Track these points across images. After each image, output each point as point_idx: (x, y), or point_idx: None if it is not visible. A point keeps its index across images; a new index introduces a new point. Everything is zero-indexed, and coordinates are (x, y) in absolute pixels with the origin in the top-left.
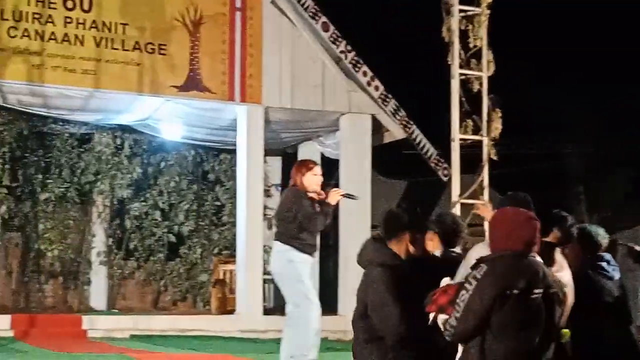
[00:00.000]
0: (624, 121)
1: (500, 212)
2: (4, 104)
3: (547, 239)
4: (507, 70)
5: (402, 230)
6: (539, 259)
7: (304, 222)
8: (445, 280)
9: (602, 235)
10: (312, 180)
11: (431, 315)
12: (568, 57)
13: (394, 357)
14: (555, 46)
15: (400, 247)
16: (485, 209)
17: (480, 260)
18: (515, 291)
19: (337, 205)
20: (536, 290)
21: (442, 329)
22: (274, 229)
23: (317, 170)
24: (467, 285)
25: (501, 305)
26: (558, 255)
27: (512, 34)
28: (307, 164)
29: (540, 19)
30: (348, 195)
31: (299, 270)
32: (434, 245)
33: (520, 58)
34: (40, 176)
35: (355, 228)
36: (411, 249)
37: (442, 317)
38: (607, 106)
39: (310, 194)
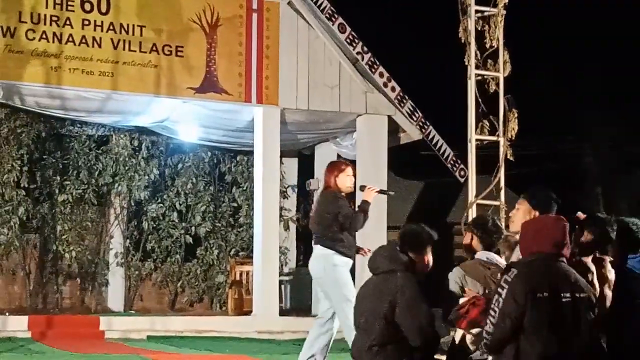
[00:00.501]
0: (627, 123)
1: (535, 219)
2: (22, 106)
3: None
4: (525, 70)
5: (422, 247)
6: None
7: (344, 223)
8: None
9: None
10: (346, 181)
11: (458, 333)
12: (586, 57)
13: (421, 358)
14: (574, 46)
15: (419, 261)
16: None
17: (511, 265)
18: (546, 294)
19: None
20: (566, 294)
21: (470, 343)
22: (314, 231)
23: (350, 171)
24: (499, 290)
25: (533, 307)
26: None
27: (531, 34)
28: (339, 166)
29: (559, 19)
30: (383, 192)
31: (342, 274)
32: (475, 245)
33: (539, 58)
34: (58, 178)
35: (372, 229)
36: (430, 263)
37: (474, 331)
38: (625, 106)
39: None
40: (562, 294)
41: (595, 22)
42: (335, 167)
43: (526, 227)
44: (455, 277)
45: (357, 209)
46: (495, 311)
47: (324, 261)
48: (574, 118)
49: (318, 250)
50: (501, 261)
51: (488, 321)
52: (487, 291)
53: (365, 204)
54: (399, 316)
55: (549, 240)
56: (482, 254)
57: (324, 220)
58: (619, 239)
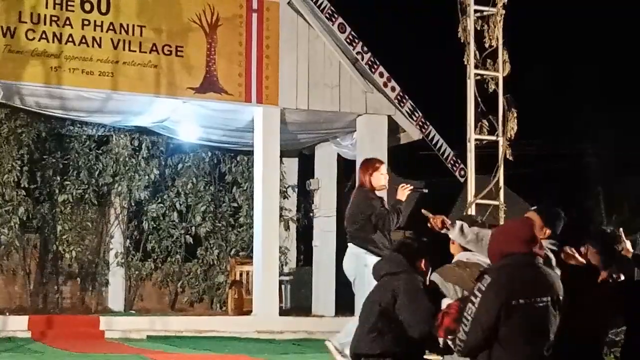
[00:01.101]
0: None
1: (494, 231)
2: (23, 106)
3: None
4: (526, 70)
5: (418, 256)
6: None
7: (378, 223)
8: (445, 301)
9: None
10: (380, 179)
11: (440, 341)
12: (589, 58)
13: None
14: (577, 46)
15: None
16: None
17: (484, 272)
18: (521, 301)
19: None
20: (543, 299)
21: (454, 347)
22: (348, 230)
23: (384, 168)
24: (472, 298)
25: (507, 316)
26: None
27: (532, 34)
28: (373, 164)
29: (561, 19)
30: (417, 190)
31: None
32: (454, 248)
33: (541, 58)
34: (58, 178)
35: None
36: (428, 270)
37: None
38: (627, 107)
39: (379, 193)
40: (538, 299)
41: (595, 22)
42: (369, 165)
43: (494, 233)
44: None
45: (389, 208)
46: (467, 319)
47: (356, 260)
48: (575, 118)
49: (351, 248)
50: (483, 259)
51: (461, 328)
52: (465, 293)
53: (398, 203)
54: (400, 307)
55: (518, 239)
56: (461, 255)
57: (357, 220)
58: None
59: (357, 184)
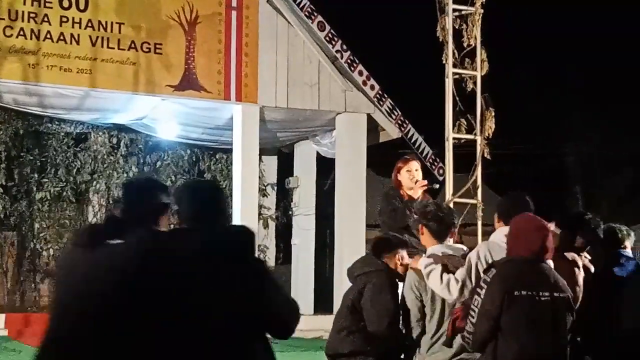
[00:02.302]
0: (622, 123)
1: (515, 220)
2: (0, 103)
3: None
4: (506, 69)
5: (393, 250)
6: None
7: (384, 221)
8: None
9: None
10: (405, 177)
11: (455, 343)
12: (568, 57)
13: (377, 345)
14: (557, 47)
15: (390, 265)
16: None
17: (491, 265)
18: (523, 292)
19: None
20: (545, 293)
21: (463, 341)
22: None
23: (412, 165)
24: (478, 290)
25: (509, 306)
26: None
27: (514, 34)
28: (402, 160)
29: (542, 19)
30: (431, 184)
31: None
32: (425, 240)
33: (521, 58)
34: (36, 175)
35: (351, 227)
36: (400, 269)
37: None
38: (606, 108)
39: (409, 192)
40: (541, 293)
41: (577, 22)
42: (399, 161)
43: (511, 227)
44: (410, 283)
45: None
46: (474, 311)
47: None
48: (555, 118)
49: None
50: (459, 247)
51: (468, 321)
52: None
53: (410, 201)
54: (363, 302)
55: (527, 247)
56: (435, 249)
57: (384, 227)
58: (605, 242)
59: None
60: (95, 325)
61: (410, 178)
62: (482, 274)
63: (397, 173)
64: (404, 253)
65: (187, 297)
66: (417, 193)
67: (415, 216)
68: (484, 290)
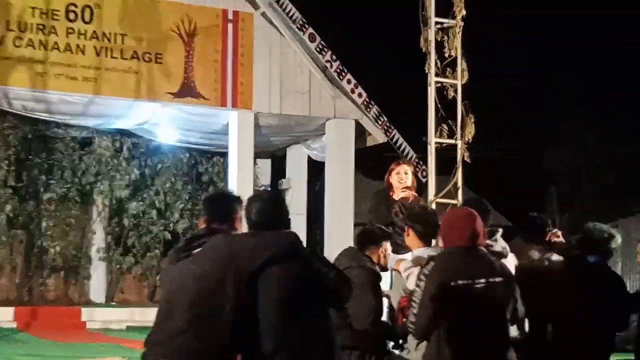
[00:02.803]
0: (597, 128)
1: (445, 214)
2: (10, 109)
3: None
4: (485, 78)
5: (377, 242)
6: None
7: (371, 220)
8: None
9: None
10: (395, 179)
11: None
12: (546, 65)
13: (361, 342)
14: (534, 55)
15: (374, 257)
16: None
17: (430, 259)
18: (460, 282)
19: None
20: (480, 281)
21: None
22: None
23: (401, 168)
24: (418, 282)
25: (447, 296)
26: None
27: (493, 44)
28: (395, 163)
29: (521, 27)
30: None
31: None
32: (410, 242)
33: (497, 67)
34: (43, 177)
35: (339, 226)
36: (382, 261)
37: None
38: (583, 112)
39: (400, 193)
40: (477, 281)
41: (558, 29)
42: (392, 165)
43: (442, 222)
44: (399, 284)
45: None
46: (415, 302)
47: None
48: (531, 123)
49: None
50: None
51: (410, 312)
52: None
53: (394, 201)
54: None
55: (460, 235)
56: (420, 252)
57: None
58: (581, 240)
59: None
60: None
61: (399, 180)
62: (423, 268)
63: (389, 175)
64: (387, 245)
65: (285, 280)
66: (399, 195)
67: (400, 215)
68: (423, 283)
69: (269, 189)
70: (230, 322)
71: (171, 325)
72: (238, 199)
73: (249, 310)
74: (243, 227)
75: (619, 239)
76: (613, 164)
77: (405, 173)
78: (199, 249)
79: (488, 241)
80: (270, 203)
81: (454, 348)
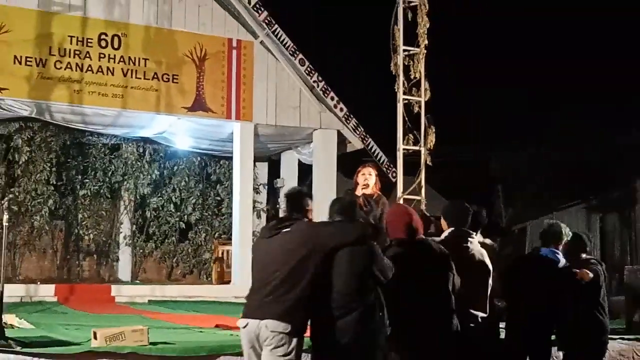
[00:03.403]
0: (532, 136)
1: (388, 213)
2: (52, 121)
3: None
4: (443, 95)
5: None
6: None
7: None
8: None
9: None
10: (360, 179)
11: None
12: (492, 86)
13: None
14: (479, 75)
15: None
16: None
17: (387, 246)
18: (410, 264)
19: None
20: (427, 265)
21: None
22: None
23: (366, 170)
24: None
25: (403, 276)
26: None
27: (453, 65)
28: (362, 165)
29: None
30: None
31: None
32: None
33: (454, 87)
34: (79, 177)
35: (323, 218)
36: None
37: None
38: (521, 124)
39: (364, 192)
40: (424, 264)
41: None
42: (359, 166)
43: (386, 219)
44: None
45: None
46: None
47: None
48: (481, 132)
49: None
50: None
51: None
52: None
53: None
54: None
55: (400, 230)
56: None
57: None
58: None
59: None
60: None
61: (364, 180)
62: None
63: (356, 175)
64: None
65: (351, 259)
66: (360, 192)
67: (364, 208)
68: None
69: (266, 186)
70: (308, 289)
71: (263, 286)
72: (310, 195)
73: (323, 280)
74: (313, 217)
75: (569, 233)
76: (545, 167)
77: (369, 174)
78: (286, 229)
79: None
80: (348, 203)
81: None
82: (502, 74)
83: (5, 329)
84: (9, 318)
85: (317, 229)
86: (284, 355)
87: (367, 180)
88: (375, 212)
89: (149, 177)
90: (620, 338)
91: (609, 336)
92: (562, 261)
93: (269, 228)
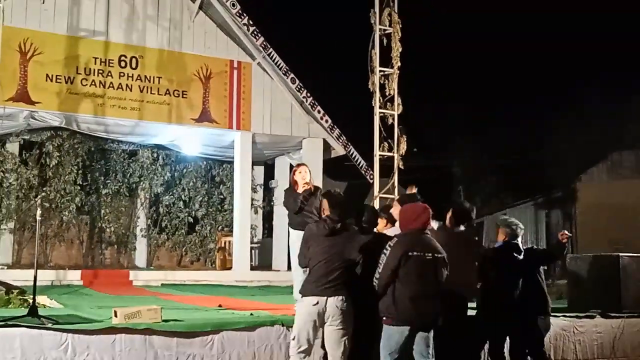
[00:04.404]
0: (492, 143)
1: (406, 207)
2: (78, 130)
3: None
4: (416, 109)
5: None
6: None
7: (288, 206)
8: None
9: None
10: (298, 177)
11: None
12: (456, 101)
13: None
14: (448, 93)
15: None
16: (395, 207)
17: (395, 237)
18: (415, 253)
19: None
20: (428, 254)
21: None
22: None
23: (302, 169)
24: (385, 251)
25: (405, 262)
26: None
27: (422, 84)
28: (297, 166)
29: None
30: (313, 185)
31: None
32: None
33: (423, 102)
34: (102, 178)
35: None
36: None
37: None
38: (482, 132)
39: (302, 187)
40: (426, 254)
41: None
42: (294, 167)
43: (402, 212)
44: None
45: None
46: (380, 264)
47: (294, 235)
48: (446, 141)
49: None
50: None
51: (377, 272)
52: None
53: (298, 194)
54: None
55: (417, 223)
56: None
57: (287, 208)
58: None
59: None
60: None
61: (302, 178)
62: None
63: (293, 175)
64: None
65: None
66: (302, 188)
67: (306, 202)
68: (388, 251)
69: (262, 186)
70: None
71: (329, 271)
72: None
73: (364, 267)
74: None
75: (522, 227)
76: (495, 171)
77: (305, 172)
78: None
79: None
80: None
81: (403, 299)
82: (462, 91)
83: (38, 309)
84: (41, 299)
85: (357, 232)
86: None
87: (305, 177)
88: (316, 203)
89: (162, 178)
90: (562, 315)
91: (553, 314)
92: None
93: (322, 227)
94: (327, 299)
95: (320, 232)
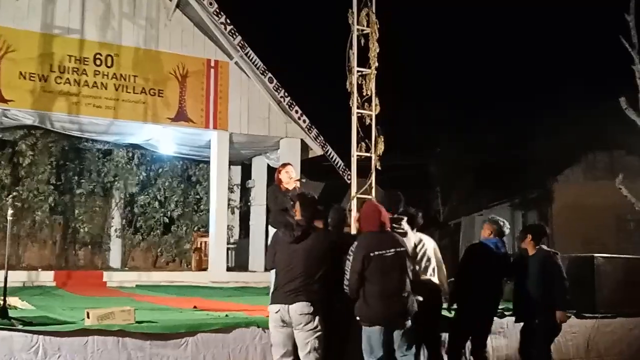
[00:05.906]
0: (469, 143)
1: (362, 210)
2: (52, 129)
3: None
4: (393, 109)
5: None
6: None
7: (272, 205)
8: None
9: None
10: (284, 176)
11: None
12: (434, 102)
13: None
14: (427, 94)
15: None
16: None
17: (355, 238)
18: (376, 252)
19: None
20: (389, 251)
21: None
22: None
23: (288, 168)
24: (348, 256)
25: (368, 263)
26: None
27: (400, 84)
28: (281, 165)
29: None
30: (301, 180)
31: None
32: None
33: (400, 103)
34: (76, 177)
35: None
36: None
37: None
38: (460, 133)
39: (292, 184)
40: (387, 251)
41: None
42: (279, 167)
43: (361, 213)
44: None
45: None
46: (347, 271)
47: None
48: (423, 141)
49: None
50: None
51: (345, 278)
52: None
53: (287, 191)
54: None
55: (372, 223)
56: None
57: (271, 207)
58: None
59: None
60: None
61: (289, 177)
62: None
63: (278, 174)
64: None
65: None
66: (291, 186)
67: (292, 201)
68: (351, 256)
69: (239, 186)
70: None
71: (291, 279)
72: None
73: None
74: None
75: (509, 227)
76: (472, 170)
77: (292, 171)
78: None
79: (395, 225)
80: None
81: (373, 298)
82: (440, 92)
83: (9, 310)
84: (12, 300)
85: (333, 236)
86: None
87: (291, 176)
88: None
89: (137, 178)
90: None
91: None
92: (502, 249)
93: (289, 234)
94: (288, 307)
95: (286, 238)
